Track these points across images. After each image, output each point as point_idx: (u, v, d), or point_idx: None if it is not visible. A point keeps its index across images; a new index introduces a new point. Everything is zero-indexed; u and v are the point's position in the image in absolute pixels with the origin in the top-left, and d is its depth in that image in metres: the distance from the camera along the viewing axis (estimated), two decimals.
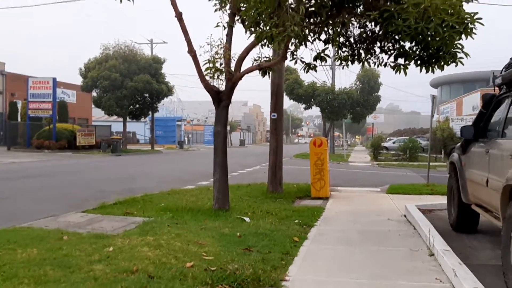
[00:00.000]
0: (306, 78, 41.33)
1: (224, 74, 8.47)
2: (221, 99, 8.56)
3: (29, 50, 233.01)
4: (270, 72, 11.45)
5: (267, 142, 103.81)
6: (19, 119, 36.05)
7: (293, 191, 11.96)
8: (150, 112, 37.00)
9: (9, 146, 32.21)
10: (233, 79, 8.44)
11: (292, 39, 7.12)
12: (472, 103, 29.18)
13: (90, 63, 33.14)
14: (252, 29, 7.45)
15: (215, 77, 8.56)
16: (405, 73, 8.43)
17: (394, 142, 38.72)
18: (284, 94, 35.05)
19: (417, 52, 8.17)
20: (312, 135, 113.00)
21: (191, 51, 8.22)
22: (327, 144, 11.90)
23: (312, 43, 8.31)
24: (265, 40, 8.91)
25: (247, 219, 7.72)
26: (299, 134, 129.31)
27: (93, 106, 38.26)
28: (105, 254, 4.96)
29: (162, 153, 35.98)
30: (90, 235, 5.93)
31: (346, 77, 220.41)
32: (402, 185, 14.07)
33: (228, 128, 61.52)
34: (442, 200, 10.15)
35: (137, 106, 35.87)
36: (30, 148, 31.59)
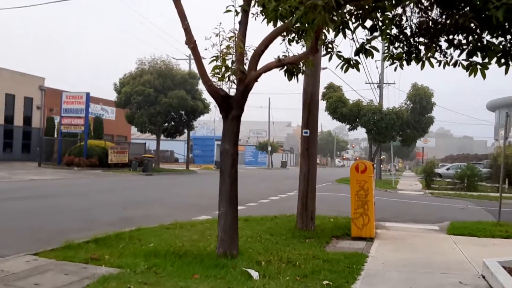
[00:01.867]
0: (351, 96, 38.80)
1: (235, 73, 6.38)
2: (230, 107, 6.42)
3: (70, 67, 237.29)
4: (303, 77, 9.30)
5: None
6: (55, 135, 35.50)
7: (328, 228, 9.58)
8: (186, 130, 35.52)
9: (39, 163, 31.43)
10: (247, 80, 6.31)
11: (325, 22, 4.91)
12: None
13: (125, 78, 32.15)
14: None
15: (225, 78, 6.47)
16: (484, 75, 6.08)
17: (448, 169, 35.22)
18: (327, 113, 32.87)
19: (503, 45, 5.85)
20: (358, 158, 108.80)
21: (190, 41, 6.17)
22: (373, 170, 9.48)
23: (353, 32, 6.11)
24: (292, 35, 6.87)
25: (255, 274, 5.46)
26: (344, 157, 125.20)
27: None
28: None
29: (196, 174, 34.23)
30: None
31: (395, 97, 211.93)
32: (467, 223, 11.36)
33: (269, 148, 59.50)
34: None
35: (172, 123, 34.49)
36: (60, 165, 30.65)
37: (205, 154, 50.20)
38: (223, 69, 6.39)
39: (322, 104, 31.08)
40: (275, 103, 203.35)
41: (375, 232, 9.44)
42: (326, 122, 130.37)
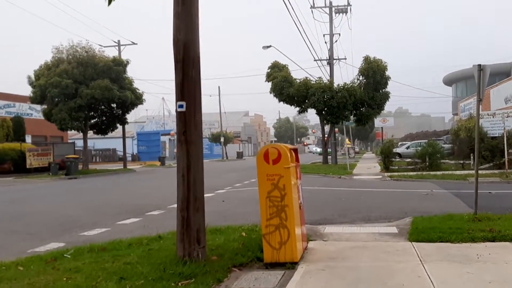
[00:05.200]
0: (300, 76, 35.06)
1: None
2: None
3: None
4: (171, 19, 5.91)
5: None
6: None
7: (231, 249, 6.28)
8: (118, 125, 31.54)
9: None
10: None
11: None
12: (504, 94, 23.33)
13: (40, 70, 27.76)
14: None
15: None
16: None
17: (408, 147, 32.83)
18: (273, 95, 29.36)
19: None
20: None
21: None
22: (291, 157, 6.21)
23: None
24: None
25: None
26: (305, 143, 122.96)
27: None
28: None
29: (133, 173, 30.38)
30: None
31: (348, 74, 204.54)
32: (434, 219, 8.37)
33: (222, 139, 55.94)
34: None
35: (103, 118, 30.43)
36: None
37: (151, 150, 46.03)
38: None
39: (266, 86, 27.81)
40: (231, 91, 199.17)
41: (302, 248, 6.29)
42: (284, 109, 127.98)
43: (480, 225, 7.53)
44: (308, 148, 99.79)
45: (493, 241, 6.71)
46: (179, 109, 5.79)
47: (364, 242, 7.13)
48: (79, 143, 38.57)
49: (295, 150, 6.72)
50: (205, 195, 13.97)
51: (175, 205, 11.72)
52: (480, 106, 25.51)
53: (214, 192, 14.91)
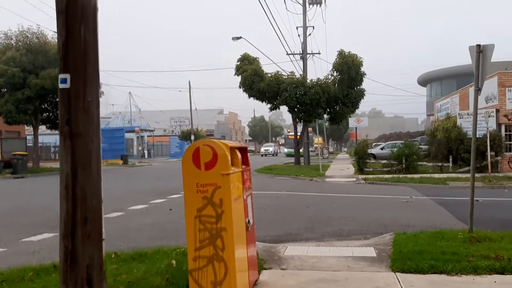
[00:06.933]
0: (270, 70, 33.26)
1: None
2: None
3: None
4: None
5: None
6: None
7: None
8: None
9: None
10: None
11: None
12: (484, 93, 22.14)
13: None
14: None
15: None
16: None
17: (382, 148, 31.51)
18: (242, 90, 27.52)
19: None
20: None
21: None
22: (237, 159, 4.43)
23: None
24: None
25: None
26: (280, 143, 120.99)
27: None
28: None
29: None
30: None
31: (322, 71, 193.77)
32: (420, 238, 6.75)
33: (192, 138, 53.76)
34: None
35: (57, 112, 27.97)
36: None
37: (114, 148, 43.23)
38: None
39: (235, 80, 25.91)
40: (205, 86, 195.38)
41: (249, 284, 4.56)
42: (260, 108, 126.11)
43: (481, 249, 5.90)
44: (260, 148, 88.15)
45: (502, 273, 5.09)
46: (61, 85, 3.86)
47: (334, 272, 5.40)
48: (40, 139, 35.96)
49: (243, 150, 4.92)
50: (155, 201, 12.06)
51: (113, 214, 9.84)
52: (457, 105, 23.80)
53: (167, 197, 12.94)
